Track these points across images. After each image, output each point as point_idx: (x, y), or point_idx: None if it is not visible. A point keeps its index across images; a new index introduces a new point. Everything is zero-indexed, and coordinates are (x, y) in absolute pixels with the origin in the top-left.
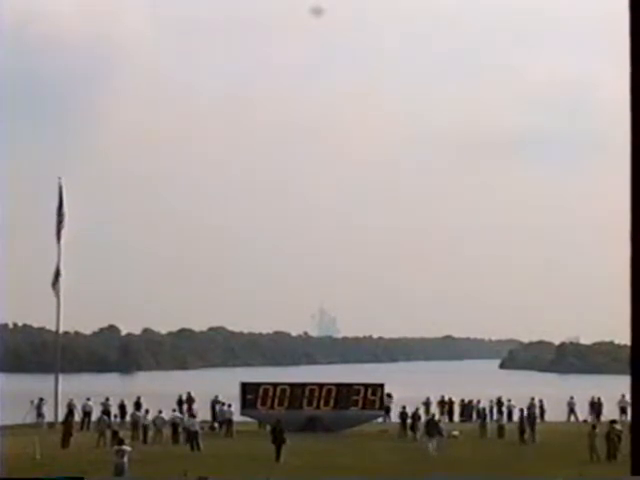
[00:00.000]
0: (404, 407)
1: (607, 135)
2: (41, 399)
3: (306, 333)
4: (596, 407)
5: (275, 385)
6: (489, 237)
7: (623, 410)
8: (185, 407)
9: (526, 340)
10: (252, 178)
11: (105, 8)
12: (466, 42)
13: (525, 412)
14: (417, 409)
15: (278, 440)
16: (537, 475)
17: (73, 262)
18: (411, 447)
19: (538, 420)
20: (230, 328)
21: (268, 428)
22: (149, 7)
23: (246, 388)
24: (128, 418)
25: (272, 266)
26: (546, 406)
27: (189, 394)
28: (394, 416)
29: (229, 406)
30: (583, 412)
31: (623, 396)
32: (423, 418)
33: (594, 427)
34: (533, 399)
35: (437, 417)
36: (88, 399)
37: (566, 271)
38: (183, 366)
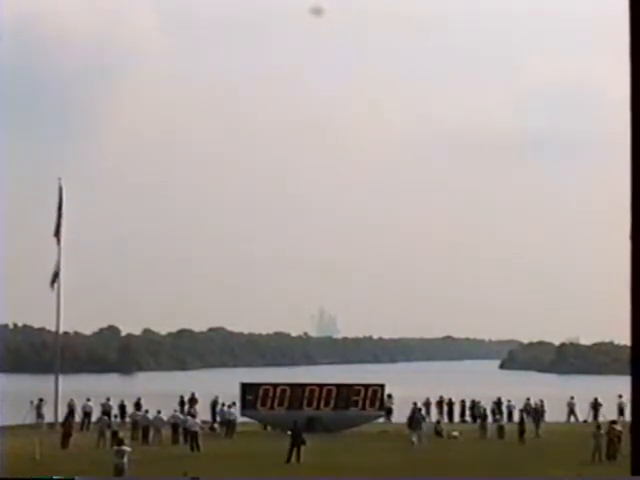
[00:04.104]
0: (415, 403)
1: (607, 135)
2: (41, 399)
3: (306, 333)
4: (595, 408)
5: (275, 386)
6: (489, 237)
7: (621, 410)
8: (185, 407)
9: (526, 340)
10: (252, 178)
11: (106, 8)
12: (466, 42)
13: (524, 413)
14: (420, 409)
15: (297, 441)
16: (537, 475)
17: (73, 262)
18: (411, 448)
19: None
20: (230, 328)
21: (268, 429)
22: (150, 7)
23: (246, 389)
24: (128, 418)
25: (272, 266)
26: (546, 406)
27: (192, 395)
28: (400, 416)
29: (229, 407)
30: (583, 412)
31: (620, 396)
32: (425, 419)
33: (599, 427)
34: (529, 399)
35: (435, 417)
36: (88, 399)
37: (566, 271)
38: (183, 366)
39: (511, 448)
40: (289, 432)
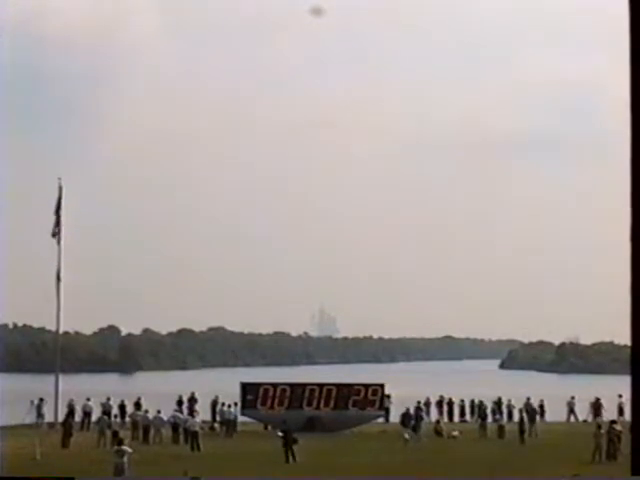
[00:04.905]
0: (419, 402)
1: (607, 135)
2: (41, 399)
3: (306, 333)
4: (596, 407)
5: (275, 385)
6: (489, 237)
7: (621, 410)
8: (184, 407)
9: (526, 340)
10: (252, 178)
11: (107, 7)
12: (466, 42)
13: (524, 412)
14: (420, 408)
15: (289, 441)
16: (537, 475)
17: (73, 262)
18: (411, 447)
19: (538, 419)
20: (230, 328)
21: (269, 428)
22: (151, 7)
23: (246, 388)
24: (128, 418)
25: (272, 266)
26: (546, 406)
27: (192, 394)
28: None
29: (229, 406)
30: (583, 412)
31: (620, 396)
32: (425, 418)
33: (599, 427)
34: (529, 399)
35: (435, 417)
36: (88, 399)
37: (566, 271)
38: (183, 366)
39: (511, 448)
40: (280, 433)
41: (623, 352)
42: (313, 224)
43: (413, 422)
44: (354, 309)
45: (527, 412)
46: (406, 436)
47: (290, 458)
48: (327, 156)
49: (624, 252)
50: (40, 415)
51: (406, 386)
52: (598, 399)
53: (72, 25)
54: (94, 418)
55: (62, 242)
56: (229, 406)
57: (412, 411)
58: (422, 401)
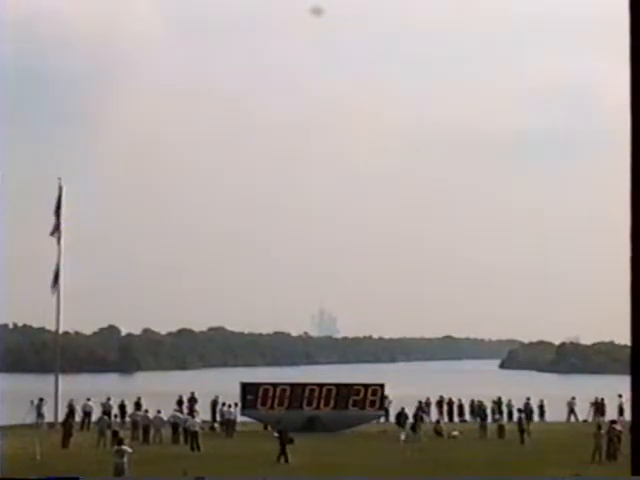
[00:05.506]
0: (420, 402)
1: (607, 135)
2: (41, 399)
3: (306, 333)
4: (599, 407)
5: (275, 385)
6: (489, 237)
7: (621, 410)
8: (184, 407)
9: (526, 340)
10: (253, 178)
11: (107, 9)
12: (467, 42)
13: (522, 412)
14: (421, 408)
15: (284, 440)
16: (537, 475)
17: (73, 262)
18: (410, 447)
19: (537, 420)
20: (230, 328)
21: (269, 428)
22: (150, 8)
23: (246, 388)
24: (128, 418)
25: (272, 266)
26: (546, 406)
27: (192, 394)
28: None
29: (229, 406)
30: (583, 412)
31: (620, 396)
32: (425, 418)
33: (599, 427)
34: (529, 399)
35: (435, 417)
36: (88, 399)
37: (566, 271)
38: (183, 366)
39: (511, 448)
40: (275, 434)
41: (623, 352)
42: (313, 225)
43: (411, 422)
44: (354, 309)
45: (524, 411)
46: (402, 437)
47: (282, 458)
48: (327, 156)
49: (624, 252)
50: (40, 415)
51: (406, 386)
52: (601, 399)
53: (72, 26)
54: (94, 418)
55: (62, 242)
56: (229, 406)
57: (407, 411)
58: (422, 401)
